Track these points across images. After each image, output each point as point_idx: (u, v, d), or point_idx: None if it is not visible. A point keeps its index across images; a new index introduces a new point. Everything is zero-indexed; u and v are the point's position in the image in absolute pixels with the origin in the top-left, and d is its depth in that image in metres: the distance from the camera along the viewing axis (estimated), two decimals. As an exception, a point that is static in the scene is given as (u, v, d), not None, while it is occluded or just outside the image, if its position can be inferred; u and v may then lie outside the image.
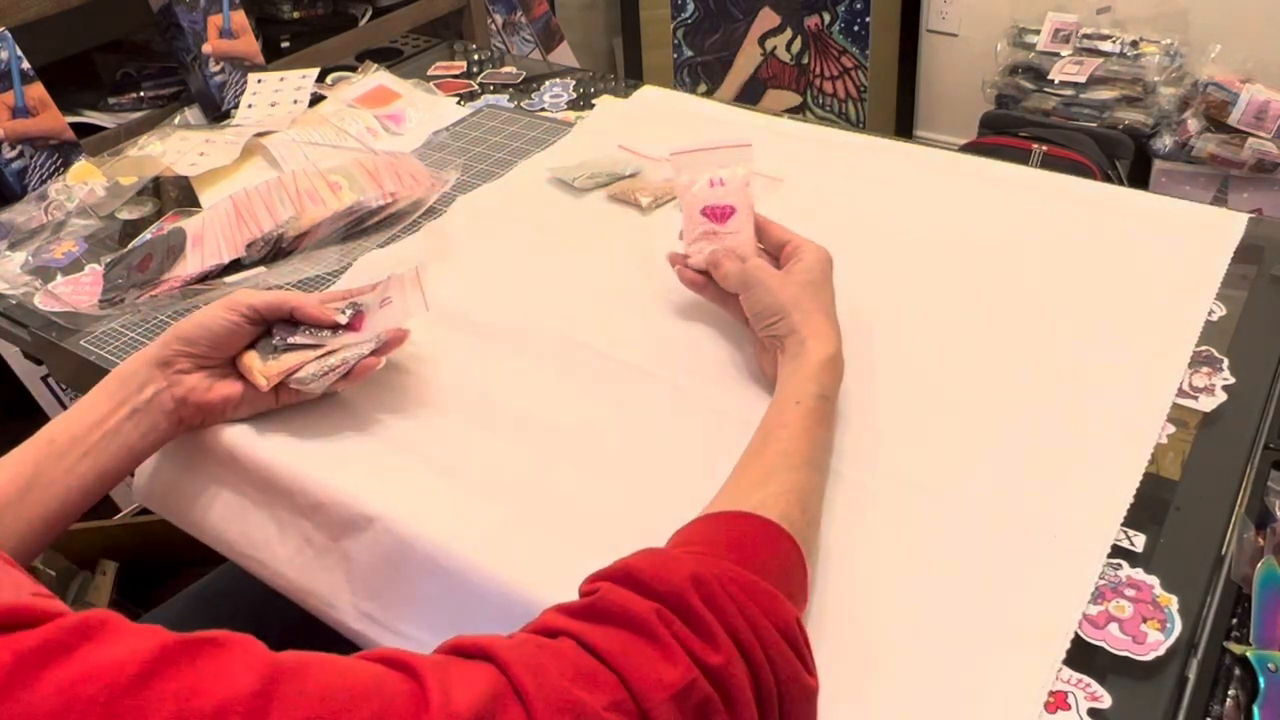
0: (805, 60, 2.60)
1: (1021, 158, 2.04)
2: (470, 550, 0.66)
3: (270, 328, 0.77)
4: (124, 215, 1.10)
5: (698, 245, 0.80)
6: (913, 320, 0.85)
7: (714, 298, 0.82)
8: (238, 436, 0.76)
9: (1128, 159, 2.11)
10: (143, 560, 1.43)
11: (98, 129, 1.29)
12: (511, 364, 0.83)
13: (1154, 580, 0.63)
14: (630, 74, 2.68)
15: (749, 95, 2.66)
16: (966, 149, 2.10)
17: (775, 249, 0.79)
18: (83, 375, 0.88)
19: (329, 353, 0.75)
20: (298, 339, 0.75)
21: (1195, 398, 0.76)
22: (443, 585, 0.66)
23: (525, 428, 0.76)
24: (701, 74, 2.68)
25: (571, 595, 0.53)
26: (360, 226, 1.03)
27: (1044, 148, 2.08)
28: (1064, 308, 0.85)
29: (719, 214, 0.79)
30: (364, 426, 0.77)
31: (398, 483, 0.72)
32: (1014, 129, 2.19)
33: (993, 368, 0.79)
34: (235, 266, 0.98)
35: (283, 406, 0.78)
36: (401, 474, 0.73)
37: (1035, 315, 0.85)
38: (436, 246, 0.99)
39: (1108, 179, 2.01)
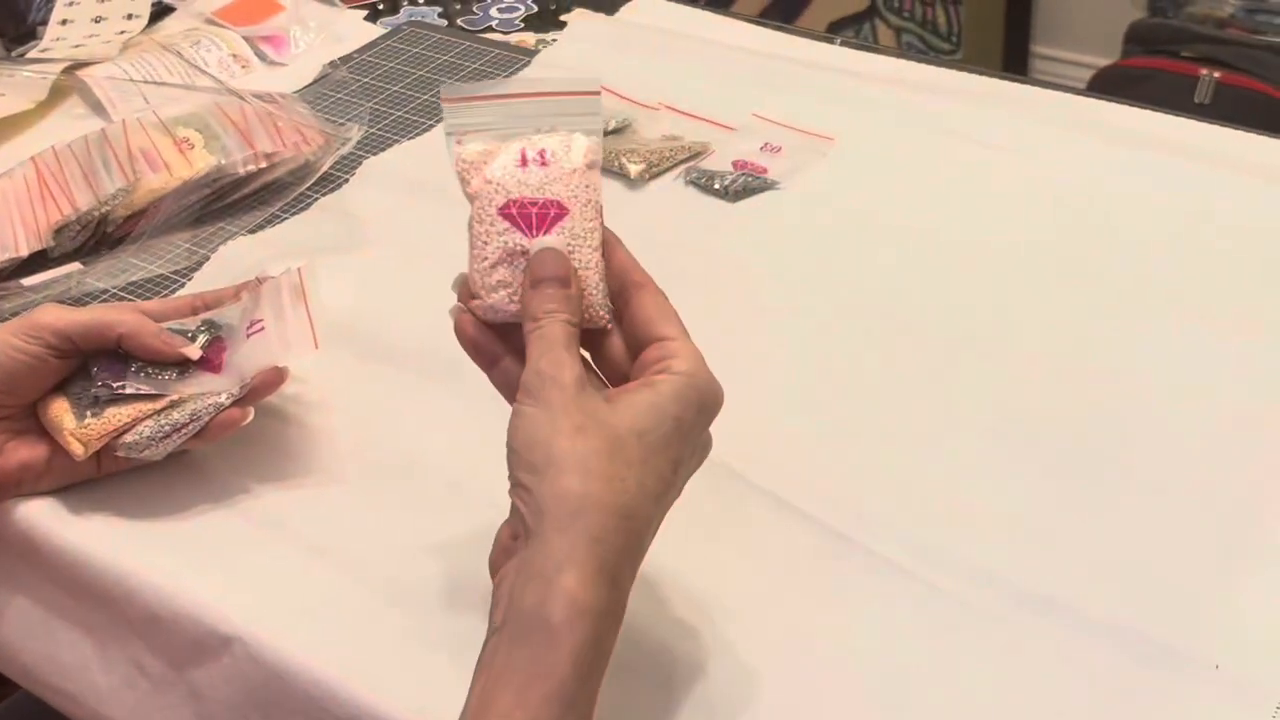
0: (873, -54, 2.61)
1: (1185, 88, 2.04)
2: (372, 687, 0.66)
3: (88, 362, 0.77)
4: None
5: (496, 274, 0.63)
6: (1014, 350, 0.85)
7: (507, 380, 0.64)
8: (40, 518, 0.76)
9: (1340, 91, 2.11)
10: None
11: None
12: (435, 408, 0.83)
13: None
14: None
15: (789, 4, 2.67)
16: (1105, 76, 2.11)
17: (637, 340, 0.63)
18: None
19: (173, 404, 0.75)
20: (128, 385, 0.75)
21: None
22: (332, 739, 0.66)
23: (458, 503, 0.76)
24: (723, -34, 2.69)
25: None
26: (222, 203, 1.03)
27: (1217, 73, 2.07)
28: (1247, 341, 0.85)
29: (533, 217, 0.63)
30: (222, 502, 0.77)
31: (269, 586, 0.72)
32: (1174, 46, 2.18)
33: (1133, 424, 0.79)
34: (37, 262, 0.97)
35: (106, 475, 0.77)
36: (275, 573, 0.73)
37: (1203, 350, 0.85)
38: (332, 234, 1.00)
39: (1310, 122, 2.01)
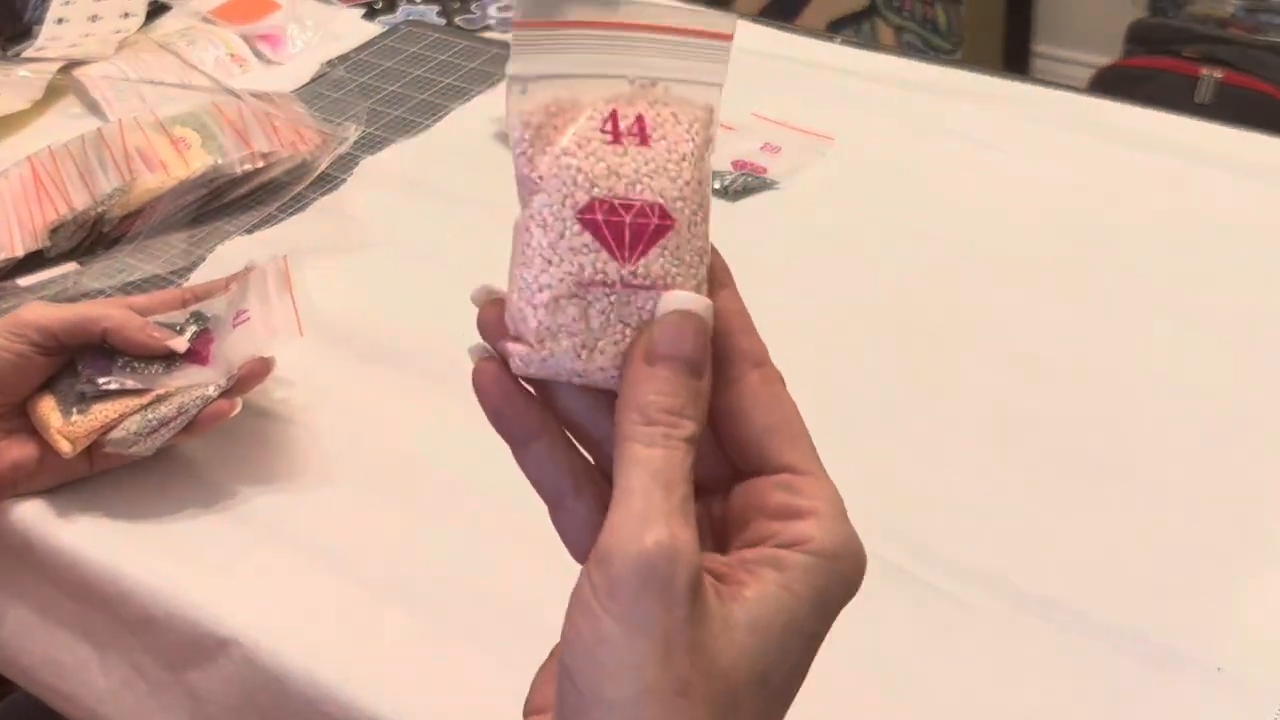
0: (873, -56, 2.61)
1: (1185, 87, 2.04)
2: (369, 687, 0.66)
3: (74, 360, 0.77)
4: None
5: (562, 313, 0.41)
6: (1014, 349, 0.86)
7: (541, 438, 0.44)
8: (33, 518, 0.76)
9: (1342, 91, 2.11)
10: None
11: None
12: (434, 408, 0.83)
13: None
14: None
15: (788, 3, 2.67)
16: (1106, 76, 2.11)
17: (741, 446, 0.43)
18: None
19: (159, 398, 0.75)
20: (114, 380, 0.75)
21: None
22: (330, 741, 0.66)
23: (456, 504, 0.76)
24: (722, -36, 2.69)
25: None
26: (219, 202, 1.03)
27: (1218, 73, 2.08)
28: (1247, 341, 0.86)
29: (626, 228, 0.41)
30: (219, 504, 0.77)
31: (266, 588, 0.72)
32: (1176, 45, 2.19)
33: (1132, 424, 0.80)
34: (33, 262, 0.98)
35: (99, 472, 0.78)
36: (272, 574, 0.73)
37: (1203, 350, 0.85)
38: (330, 234, 1.00)
39: (1311, 121, 2.00)
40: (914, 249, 0.93)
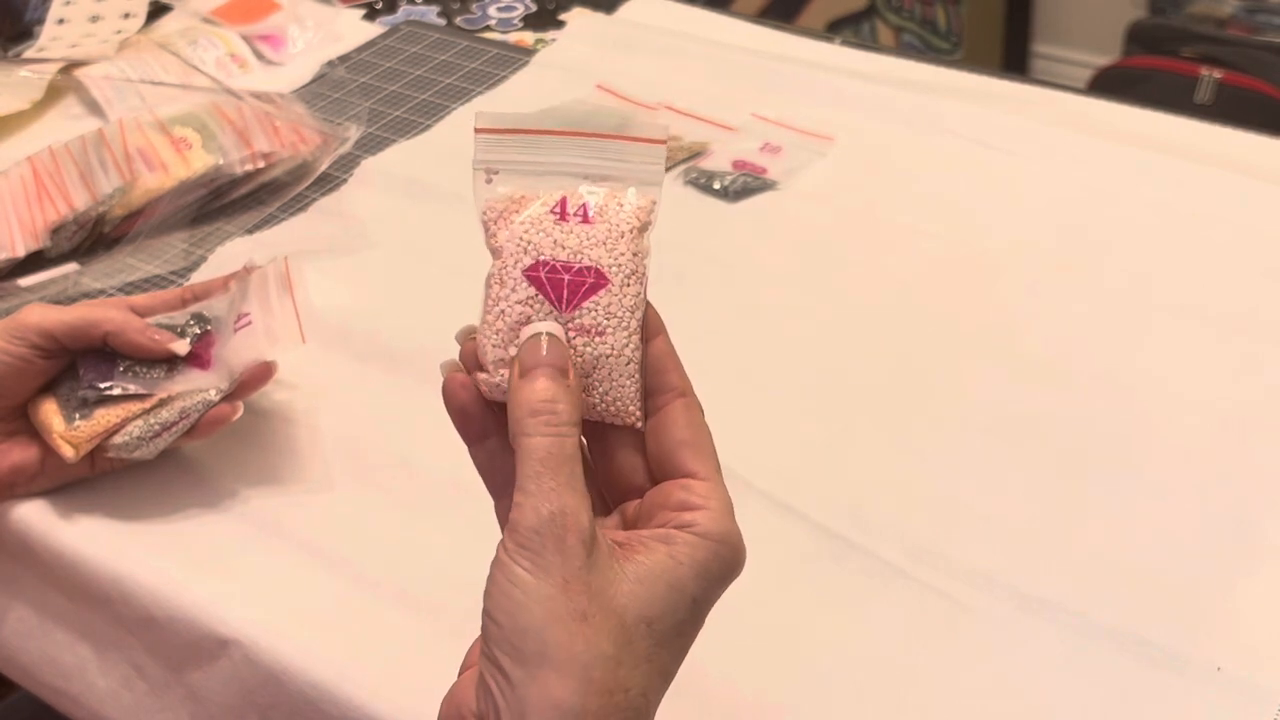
0: (873, -55, 2.61)
1: (1185, 87, 2.05)
2: (369, 687, 0.67)
3: (76, 362, 0.77)
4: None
5: (511, 350, 0.52)
6: (1013, 350, 0.86)
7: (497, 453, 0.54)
8: (34, 519, 0.76)
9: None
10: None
11: None
12: (434, 408, 0.82)
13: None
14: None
15: (788, 3, 2.67)
16: (1106, 76, 2.11)
17: (659, 459, 0.53)
18: None
19: (161, 402, 0.75)
20: (116, 385, 0.75)
21: None
22: (330, 741, 0.66)
23: (455, 503, 0.76)
24: (722, -35, 2.68)
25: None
26: (220, 203, 1.03)
27: (1218, 73, 2.08)
28: (1247, 341, 0.86)
29: (565, 285, 0.53)
30: (219, 504, 0.77)
31: (266, 588, 0.72)
32: (1175, 45, 2.19)
33: (1132, 425, 0.80)
34: (34, 262, 0.98)
35: (100, 474, 0.77)
36: (272, 575, 0.73)
37: (1203, 350, 0.85)
38: (330, 233, 1.00)
39: (1310, 121, 2.00)
40: (914, 249, 0.93)
